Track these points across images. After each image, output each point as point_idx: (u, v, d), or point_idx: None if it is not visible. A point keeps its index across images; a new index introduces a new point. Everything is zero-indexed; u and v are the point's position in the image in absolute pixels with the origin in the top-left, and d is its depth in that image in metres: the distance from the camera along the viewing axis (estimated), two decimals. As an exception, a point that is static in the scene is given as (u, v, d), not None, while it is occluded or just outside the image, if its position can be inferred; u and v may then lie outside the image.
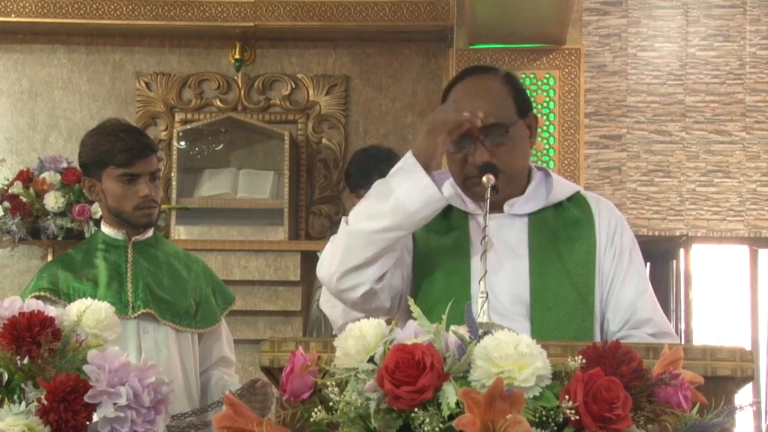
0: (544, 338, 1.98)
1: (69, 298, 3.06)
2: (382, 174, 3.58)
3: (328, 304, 3.91)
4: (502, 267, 2.49)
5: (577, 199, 2.63)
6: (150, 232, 3.27)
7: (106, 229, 3.26)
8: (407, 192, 2.38)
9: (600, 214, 2.60)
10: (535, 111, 2.70)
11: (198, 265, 3.36)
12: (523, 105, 2.59)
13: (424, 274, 2.56)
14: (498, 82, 2.59)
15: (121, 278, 3.18)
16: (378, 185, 2.46)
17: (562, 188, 2.63)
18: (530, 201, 2.60)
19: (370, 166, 4.35)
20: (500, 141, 2.50)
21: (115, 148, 3.13)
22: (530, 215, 2.58)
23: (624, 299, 2.53)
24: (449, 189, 2.61)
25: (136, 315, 3.15)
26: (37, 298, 2.98)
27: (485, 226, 2.23)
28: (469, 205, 2.59)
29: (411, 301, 1.88)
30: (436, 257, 2.57)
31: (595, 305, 2.52)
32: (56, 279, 3.16)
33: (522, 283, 2.50)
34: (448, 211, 2.61)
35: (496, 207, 2.53)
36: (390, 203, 2.39)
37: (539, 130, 5.70)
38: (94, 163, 3.17)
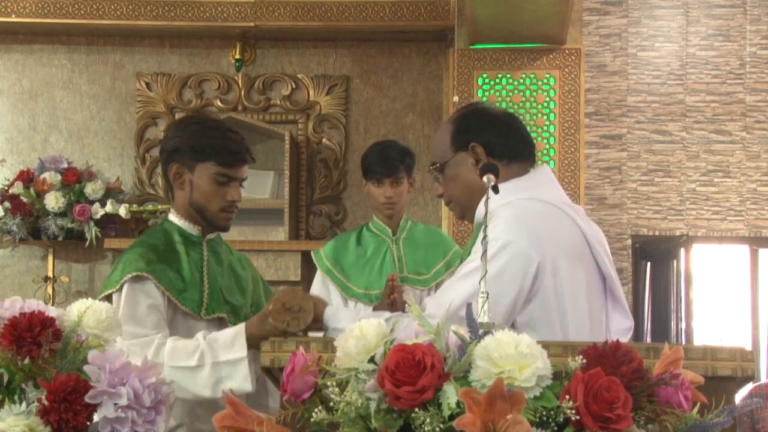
0: None
1: (165, 285, 2.95)
2: (408, 168, 3.91)
3: None
4: None
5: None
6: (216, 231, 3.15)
7: (179, 221, 3.10)
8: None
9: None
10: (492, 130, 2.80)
11: (250, 265, 3.30)
12: (461, 139, 2.79)
13: None
14: (446, 123, 2.90)
15: (200, 277, 3.06)
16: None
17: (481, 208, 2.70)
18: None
19: (395, 159, 4.34)
20: (440, 178, 2.83)
21: (223, 146, 3.03)
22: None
23: None
24: None
25: (208, 318, 3.02)
26: (137, 279, 2.91)
27: (485, 226, 2.23)
28: None
29: (411, 301, 1.88)
30: None
31: None
32: (152, 263, 2.98)
33: None
34: None
35: None
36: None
37: (539, 129, 5.75)
38: (192, 152, 3.02)
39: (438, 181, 2.84)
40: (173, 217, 3.12)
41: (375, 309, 4.08)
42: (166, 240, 3.08)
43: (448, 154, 2.81)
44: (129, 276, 2.94)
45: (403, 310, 4.02)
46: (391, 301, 4.07)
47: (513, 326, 2.58)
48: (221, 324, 3.05)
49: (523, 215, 2.65)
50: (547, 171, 2.88)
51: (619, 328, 2.75)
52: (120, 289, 2.94)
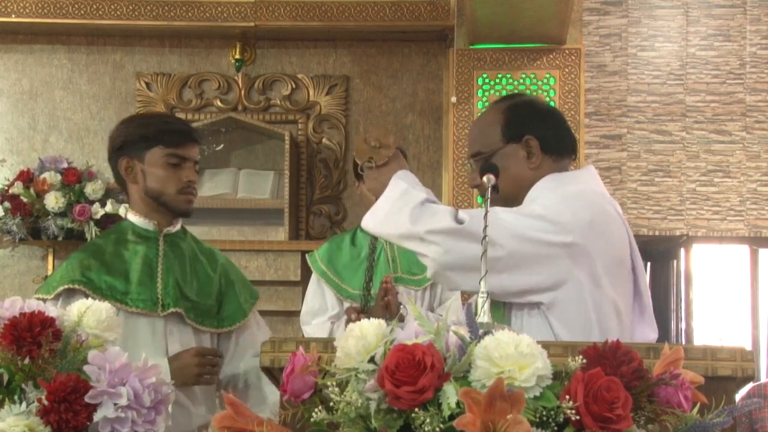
0: None
1: (102, 293, 2.94)
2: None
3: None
4: None
5: None
6: (179, 225, 3.14)
7: (135, 218, 3.10)
8: None
9: None
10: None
11: (222, 261, 3.23)
12: (514, 130, 2.71)
13: None
14: (494, 112, 2.79)
15: (152, 273, 3.04)
16: None
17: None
18: None
19: None
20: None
21: (168, 128, 3.05)
22: None
23: None
24: None
25: (165, 314, 3.01)
26: (69, 291, 2.93)
27: (485, 226, 2.24)
28: None
29: (411, 301, 1.88)
30: None
31: None
32: (89, 271, 3.00)
33: None
34: None
35: None
36: None
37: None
38: (140, 141, 3.03)
39: (479, 169, 2.70)
40: (130, 216, 3.13)
41: (370, 311, 4.08)
42: (118, 239, 3.09)
43: (497, 145, 2.72)
44: (62, 288, 2.97)
45: (398, 312, 4.03)
46: (385, 303, 4.07)
47: (539, 307, 2.52)
48: (179, 319, 3.04)
49: (584, 196, 2.62)
50: (594, 170, 2.83)
51: (642, 339, 2.65)
52: (56, 298, 2.95)
